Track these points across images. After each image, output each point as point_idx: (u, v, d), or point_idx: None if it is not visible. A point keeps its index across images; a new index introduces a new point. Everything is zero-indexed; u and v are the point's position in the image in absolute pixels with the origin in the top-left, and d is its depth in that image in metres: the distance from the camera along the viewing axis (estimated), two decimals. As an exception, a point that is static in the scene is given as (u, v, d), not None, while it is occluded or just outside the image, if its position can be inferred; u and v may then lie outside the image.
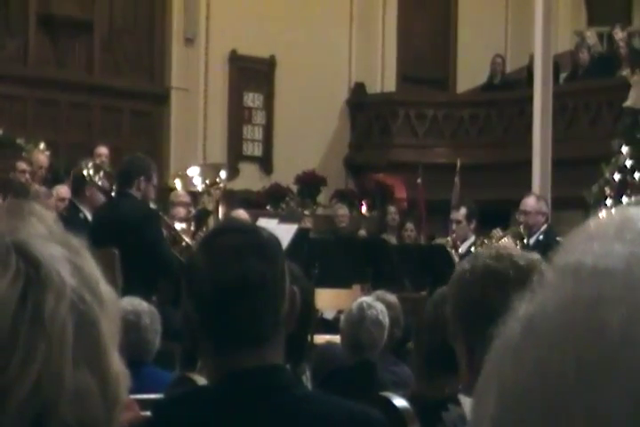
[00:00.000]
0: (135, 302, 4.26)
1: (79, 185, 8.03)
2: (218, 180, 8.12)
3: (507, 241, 7.49)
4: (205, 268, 1.95)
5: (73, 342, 0.92)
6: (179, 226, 7.39)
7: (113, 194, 7.50)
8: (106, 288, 0.99)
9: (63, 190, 8.61)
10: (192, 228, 7.51)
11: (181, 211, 7.94)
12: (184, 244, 7.09)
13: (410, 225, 11.99)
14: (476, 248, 7.80)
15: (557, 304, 0.64)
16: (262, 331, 1.95)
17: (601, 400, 0.60)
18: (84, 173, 7.91)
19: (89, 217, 7.72)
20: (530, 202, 7.86)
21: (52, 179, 9.82)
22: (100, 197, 7.83)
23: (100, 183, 7.94)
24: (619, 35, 13.49)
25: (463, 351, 2.17)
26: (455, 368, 3.07)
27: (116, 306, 1.00)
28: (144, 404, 2.83)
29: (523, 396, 0.63)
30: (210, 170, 8.45)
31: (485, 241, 7.74)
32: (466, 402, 2.80)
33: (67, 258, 0.95)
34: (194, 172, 8.20)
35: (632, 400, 0.60)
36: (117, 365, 0.97)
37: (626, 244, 0.64)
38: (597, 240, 0.65)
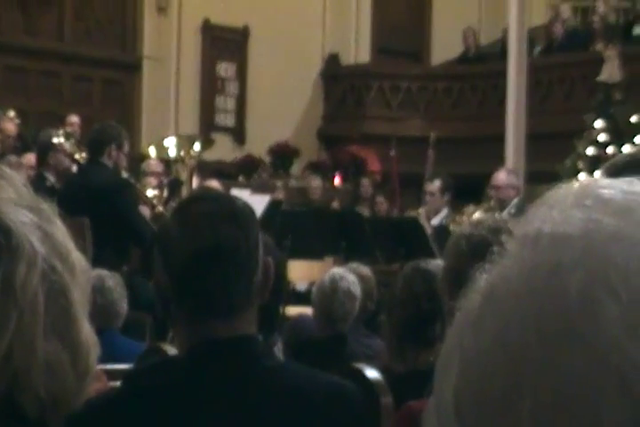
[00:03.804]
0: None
1: (43, 152, 8.00)
2: (192, 152, 8.08)
3: (479, 216, 7.48)
4: (178, 235, 1.92)
5: (44, 311, 0.90)
6: (151, 193, 7.36)
7: (83, 162, 7.44)
8: (77, 256, 0.97)
9: (33, 159, 8.55)
10: (164, 194, 7.47)
11: (153, 181, 7.89)
12: (157, 211, 7.05)
13: (380, 198, 11.98)
14: (447, 223, 7.80)
15: (517, 273, 0.63)
16: (235, 300, 1.93)
17: (562, 369, 0.60)
18: (54, 140, 7.86)
19: (56, 185, 7.67)
20: (500, 176, 7.87)
21: (22, 148, 9.74)
22: (65, 161, 7.81)
23: (68, 149, 7.90)
24: (602, 8, 13.42)
25: None
26: (426, 342, 3.07)
27: (87, 275, 0.98)
28: (112, 374, 2.80)
29: (484, 367, 0.62)
30: (184, 141, 8.41)
31: (457, 218, 7.73)
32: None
33: (37, 225, 0.93)
34: (170, 142, 8.16)
35: (592, 368, 0.59)
36: (88, 334, 0.96)
37: (584, 210, 0.64)
38: (557, 208, 0.65)
